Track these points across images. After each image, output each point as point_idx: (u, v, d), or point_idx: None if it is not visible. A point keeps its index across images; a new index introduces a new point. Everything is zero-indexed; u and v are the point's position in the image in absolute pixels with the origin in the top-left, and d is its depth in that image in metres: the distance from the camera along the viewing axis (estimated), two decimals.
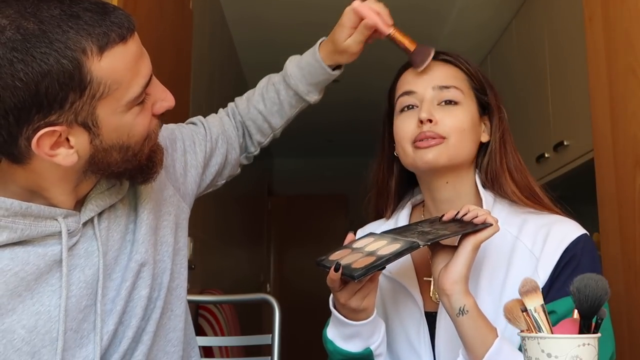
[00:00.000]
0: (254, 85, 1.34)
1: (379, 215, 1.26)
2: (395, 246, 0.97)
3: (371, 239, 1.04)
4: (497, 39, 3.37)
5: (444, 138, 1.09)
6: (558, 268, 1.03)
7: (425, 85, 1.13)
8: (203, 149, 1.24)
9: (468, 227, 1.00)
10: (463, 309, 0.96)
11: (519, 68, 2.96)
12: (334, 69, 1.25)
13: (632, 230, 1.41)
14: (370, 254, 0.97)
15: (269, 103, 1.29)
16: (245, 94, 1.34)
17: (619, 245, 1.45)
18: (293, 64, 1.27)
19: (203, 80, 2.86)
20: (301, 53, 1.29)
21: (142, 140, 0.94)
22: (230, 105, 1.35)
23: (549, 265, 1.03)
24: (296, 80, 1.25)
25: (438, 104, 1.12)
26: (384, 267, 0.96)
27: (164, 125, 1.17)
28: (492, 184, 1.14)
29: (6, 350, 0.88)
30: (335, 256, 1.01)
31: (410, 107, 1.14)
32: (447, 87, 1.12)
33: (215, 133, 1.27)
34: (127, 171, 0.96)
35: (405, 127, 1.13)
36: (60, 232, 0.93)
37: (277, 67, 1.31)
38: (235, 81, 3.99)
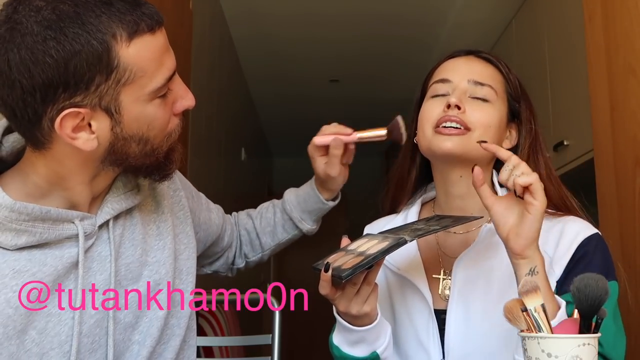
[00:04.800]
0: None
1: (393, 207, 1.26)
2: (384, 244, 0.97)
3: (365, 240, 1.05)
4: (497, 38, 3.38)
5: (468, 129, 1.08)
6: (571, 263, 1.04)
7: (461, 76, 1.13)
8: (221, 221, 1.31)
9: (461, 220, 1.00)
10: (534, 270, 0.93)
11: (518, 68, 2.94)
12: (329, 200, 1.30)
13: (632, 230, 1.41)
14: (360, 254, 0.98)
15: (264, 222, 1.36)
16: (249, 210, 1.41)
17: (619, 245, 1.45)
18: (292, 192, 1.34)
19: (203, 80, 2.86)
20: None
21: (162, 136, 0.95)
22: (234, 214, 1.42)
23: (563, 261, 1.04)
24: (291, 206, 1.32)
25: (469, 97, 1.12)
26: (372, 266, 0.96)
27: (190, 184, 1.25)
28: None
29: (18, 351, 0.88)
30: (329, 260, 1.01)
31: (441, 94, 1.14)
32: (482, 84, 1.12)
33: (227, 222, 1.35)
34: (144, 166, 0.97)
35: (431, 110, 1.12)
36: (77, 235, 0.94)
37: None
38: (235, 81, 3.99)
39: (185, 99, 0.97)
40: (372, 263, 0.94)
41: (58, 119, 0.85)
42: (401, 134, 1.16)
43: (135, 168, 0.97)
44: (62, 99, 0.84)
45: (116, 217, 1.00)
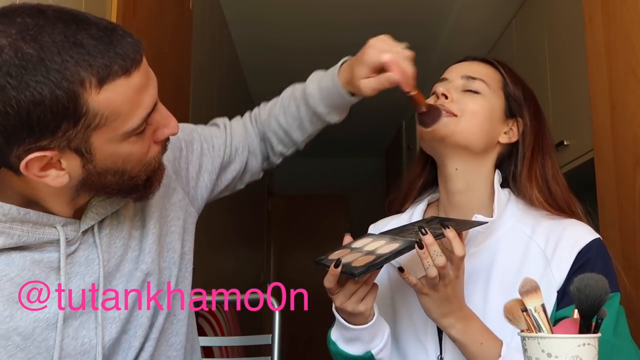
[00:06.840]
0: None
1: (399, 205, 1.27)
2: (395, 245, 0.98)
3: (369, 239, 1.05)
4: (497, 39, 3.37)
5: (455, 115, 1.11)
6: (571, 272, 1.03)
7: (456, 74, 1.18)
8: (221, 154, 1.22)
9: (464, 226, 1.00)
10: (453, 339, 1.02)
11: (518, 68, 2.93)
12: (353, 95, 1.16)
13: (632, 230, 1.41)
14: (370, 252, 0.98)
15: (289, 117, 1.24)
16: (269, 104, 1.29)
17: (619, 245, 1.45)
18: (314, 82, 1.21)
19: (203, 80, 2.86)
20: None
21: (140, 166, 0.91)
22: (254, 112, 1.31)
23: (564, 269, 1.04)
24: (315, 100, 1.19)
25: (462, 91, 1.15)
26: (381, 266, 0.97)
27: (181, 124, 1.16)
28: (519, 190, 1.14)
29: (0, 357, 0.86)
30: (334, 256, 1.01)
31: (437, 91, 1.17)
32: (473, 78, 1.15)
33: (237, 140, 1.25)
34: (122, 190, 0.93)
35: None
36: (58, 240, 0.92)
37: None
38: (235, 81, 3.99)
39: (167, 127, 0.92)
40: (385, 263, 0.95)
41: (23, 163, 0.81)
42: (433, 123, 1.10)
43: (112, 194, 0.94)
44: (27, 142, 0.80)
45: (102, 220, 0.98)
